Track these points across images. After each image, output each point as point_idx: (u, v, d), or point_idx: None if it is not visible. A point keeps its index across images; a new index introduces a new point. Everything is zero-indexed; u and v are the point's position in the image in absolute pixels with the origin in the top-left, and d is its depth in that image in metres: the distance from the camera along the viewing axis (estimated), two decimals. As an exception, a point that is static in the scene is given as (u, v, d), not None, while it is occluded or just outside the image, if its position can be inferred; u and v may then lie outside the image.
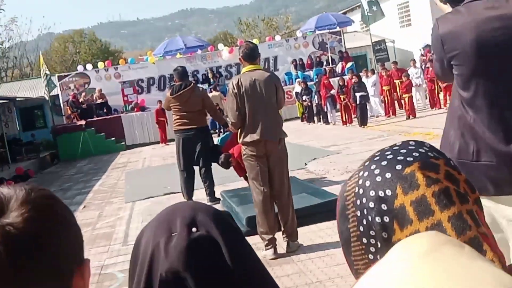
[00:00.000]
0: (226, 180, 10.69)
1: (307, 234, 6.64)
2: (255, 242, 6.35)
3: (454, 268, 0.63)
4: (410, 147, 0.93)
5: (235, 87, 5.89)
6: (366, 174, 0.93)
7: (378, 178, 0.90)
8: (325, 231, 6.66)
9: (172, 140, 24.01)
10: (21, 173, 18.47)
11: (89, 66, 28.39)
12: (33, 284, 0.84)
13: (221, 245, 1.02)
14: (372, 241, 0.90)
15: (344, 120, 20.08)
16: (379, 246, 0.89)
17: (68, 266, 0.90)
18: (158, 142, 24.33)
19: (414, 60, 22.55)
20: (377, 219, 0.89)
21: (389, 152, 0.94)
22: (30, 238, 0.84)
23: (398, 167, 0.90)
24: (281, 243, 6.12)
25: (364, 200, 0.91)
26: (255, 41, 30.30)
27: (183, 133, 9.14)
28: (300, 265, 5.63)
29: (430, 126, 15.38)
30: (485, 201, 2.22)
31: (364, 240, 0.91)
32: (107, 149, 23.94)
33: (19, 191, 0.89)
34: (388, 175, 0.90)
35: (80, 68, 28.75)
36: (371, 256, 0.91)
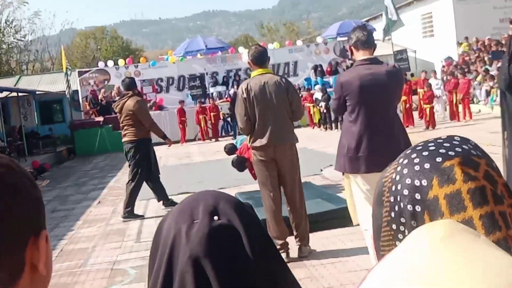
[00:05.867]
0: (241, 182, 10.71)
1: (320, 239, 6.61)
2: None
3: (471, 252, 0.65)
4: (454, 142, 0.93)
5: (244, 92, 5.84)
6: (405, 161, 0.93)
7: (417, 167, 0.90)
8: (338, 237, 6.63)
9: (190, 140, 24.29)
10: (37, 166, 18.58)
11: (110, 63, 28.56)
12: None
13: (241, 235, 1.02)
14: (401, 228, 0.91)
15: (361, 128, 20.02)
16: (406, 234, 0.89)
17: (18, 236, 0.88)
18: (174, 142, 24.36)
19: (435, 71, 22.44)
20: (409, 207, 0.89)
21: (432, 144, 0.94)
22: None
23: (438, 159, 0.90)
24: (294, 247, 6.09)
25: (399, 186, 0.91)
26: (275, 45, 30.35)
27: (124, 144, 9.25)
28: (312, 270, 5.60)
29: (449, 138, 15.27)
30: (359, 178, 4.84)
31: (394, 226, 0.92)
32: (122, 146, 24.03)
33: None
34: (426, 165, 0.90)
35: (101, 64, 28.96)
36: (398, 243, 0.91)
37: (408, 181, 0.90)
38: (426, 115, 19.30)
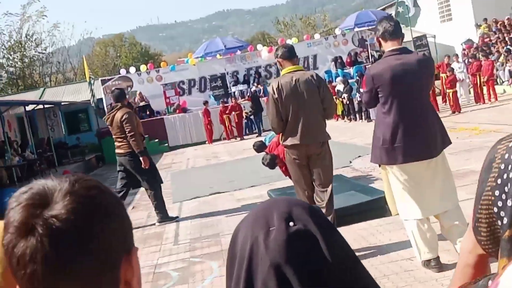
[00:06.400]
0: (270, 179, 10.76)
1: (358, 231, 6.64)
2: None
3: None
4: None
5: (275, 92, 5.68)
6: None
7: None
8: (376, 228, 6.65)
9: (216, 140, 24.44)
10: (69, 176, 18.84)
11: (132, 69, 28.69)
12: (79, 274, 0.86)
13: (318, 238, 1.04)
14: (503, 196, 0.91)
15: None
16: (508, 204, 0.90)
17: (113, 255, 0.91)
18: (200, 143, 24.61)
19: (457, 55, 22.23)
20: None
21: None
22: (73, 229, 0.85)
23: None
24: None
25: None
26: (294, 40, 30.29)
27: (118, 157, 9.23)
28: (352, 262, 5.61)
29: (476, 121, 15.16)
30: (395, 167, 4.87)
31: (496, 193, 0.93)
32: (150, 151, 24.02)
33: (63, 182, 0.90)
34: None
35: (122, 71, 29.16)
36: (495, 209, 0.92)
37: None
38: (450, 99, 19.15)
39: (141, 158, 8.90)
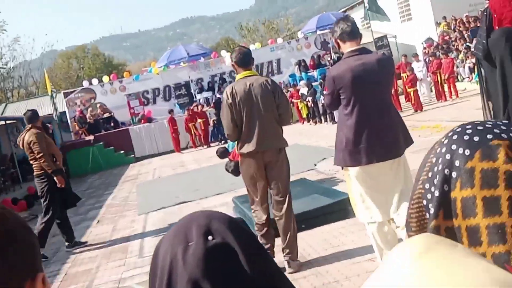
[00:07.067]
0: (236, 186, 10.72)
1: (320, 234, 6.64)
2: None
3: (449, 264, 0.66)
4: (511, 127, 0.97)
5: (229, 97, 5.53)
6: (458, 130, 0.97)
7: (466, 137, 0.94)
8: (339, 230, 6.67)
9: (183, 148, 24.32)
10: (33, 192, 18.53)
11: (94, 81, 28.45)
12: None
13: (237, 251, 1.02)
14: (432, 189, 0.94)
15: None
16: (436, 194, 0.93)
17: (15, 281, 0.90)
18: (167, 152, 24.46)
19: (417, 54, 22.51)
20: (446, 171, 0.92)
21: (490, 123, 0.97)
22: None
23: (489, 136, 0.93)
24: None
25: (443, 149, 0.95)
26: (257, 45, 30.39)
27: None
28: (316, 265, 5.62)
29: (438, 119, 15.36)
30: (358, 169, 4.78)
31: (427, 186, 0.95)
32: (116, 162, 23.99)
33: None
34: (476, 138, 0.93)
35: (85, 83, 28.89)
36: (424, 202, 0.94)
37: (453, 147, 0.94)
38: (411, 98, 19.40)
39: (55, 178, 8.68)
